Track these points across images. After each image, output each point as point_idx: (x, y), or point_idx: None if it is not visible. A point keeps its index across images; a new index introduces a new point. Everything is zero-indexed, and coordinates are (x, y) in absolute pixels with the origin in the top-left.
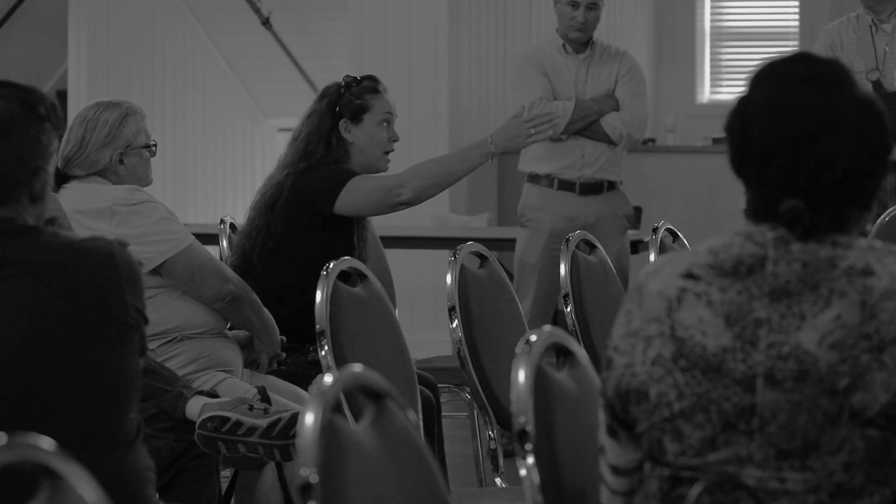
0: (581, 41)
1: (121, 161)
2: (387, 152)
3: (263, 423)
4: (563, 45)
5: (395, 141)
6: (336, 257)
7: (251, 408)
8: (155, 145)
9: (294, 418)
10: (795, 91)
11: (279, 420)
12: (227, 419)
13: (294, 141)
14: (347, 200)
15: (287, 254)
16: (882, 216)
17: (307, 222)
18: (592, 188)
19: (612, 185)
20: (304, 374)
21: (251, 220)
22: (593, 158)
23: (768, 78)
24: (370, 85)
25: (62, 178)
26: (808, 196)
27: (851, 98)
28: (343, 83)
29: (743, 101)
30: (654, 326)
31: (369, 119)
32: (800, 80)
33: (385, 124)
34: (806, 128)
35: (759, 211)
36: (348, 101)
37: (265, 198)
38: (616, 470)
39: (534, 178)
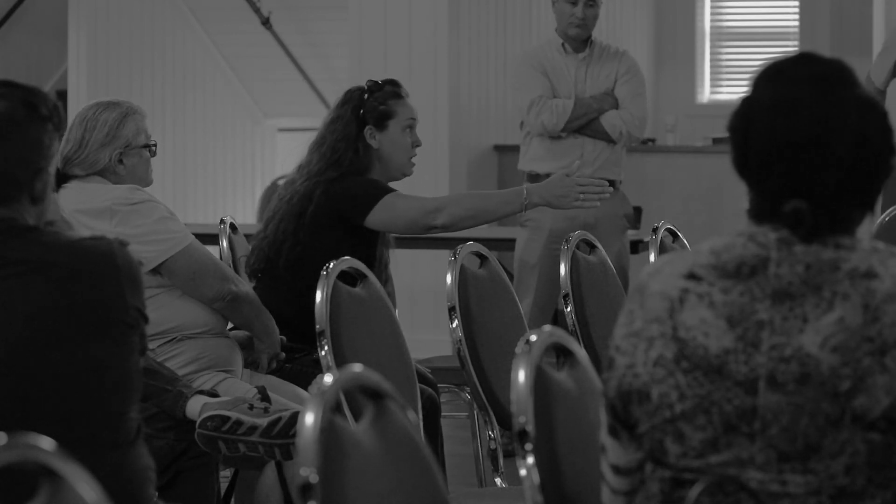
0: (580, 38)
1: (120, 161)
2: (410, 158)
3: (264, 422)
4: (563, 45)
5: (418, 146)
6: None
7: (251, 407)
8: (155, 145)
9: (294, 417)
10: (799, 92)
11: (279, 419)
12: (227, 418)
13: (318, 147)
14: (381, 216)
15: (312, 260)
16: (882, 216)
17: (334, 231)
18: None
19: (611, 185)
20: (306, 373)
21: (276, 227)
22: (593, 157)
23: (772, 78)
24: (393, 90)
25: (62, 178)
26: (812, 197)
27: (855, 99)
28: (366, 87)
29: (746, 102)
30: (656, 327)
31: (394, 125)
32: (803, 81)
33: (408, 130)
34: (809, 129)
35: (761, 212)
36: (372, 106)
37: (292, 205)
38: (617, 470)
39: (533, 178)
